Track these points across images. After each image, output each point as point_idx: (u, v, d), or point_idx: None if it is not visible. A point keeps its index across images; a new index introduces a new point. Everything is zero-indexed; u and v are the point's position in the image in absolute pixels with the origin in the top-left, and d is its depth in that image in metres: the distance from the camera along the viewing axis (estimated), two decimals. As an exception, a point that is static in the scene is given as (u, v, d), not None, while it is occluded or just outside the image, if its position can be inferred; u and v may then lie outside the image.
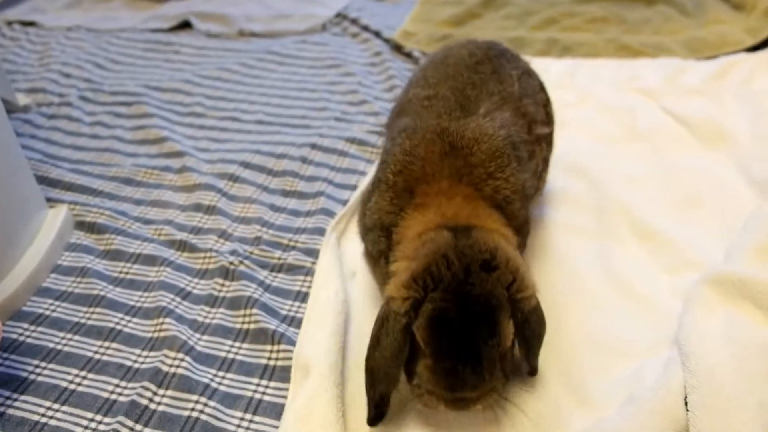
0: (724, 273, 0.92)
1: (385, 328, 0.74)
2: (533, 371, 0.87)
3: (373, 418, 0.79)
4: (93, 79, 1.91)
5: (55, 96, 1.80)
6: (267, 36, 2.26)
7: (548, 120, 1.17)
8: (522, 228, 0.92)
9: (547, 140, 1.16)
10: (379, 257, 0.89)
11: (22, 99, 1.73)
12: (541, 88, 1.18)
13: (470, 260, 0.74)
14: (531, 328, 0.78)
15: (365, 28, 2.25)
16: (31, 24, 2.39)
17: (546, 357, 0.91)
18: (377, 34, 2.18)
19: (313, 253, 1.16)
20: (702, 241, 1.14)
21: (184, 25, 2.34)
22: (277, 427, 0.85)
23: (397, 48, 2.08)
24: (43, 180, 1.36)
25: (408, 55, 2.02)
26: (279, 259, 1.17)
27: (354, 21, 2.32)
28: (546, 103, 1.18)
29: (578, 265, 1.13)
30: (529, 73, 1.15)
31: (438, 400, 0.74)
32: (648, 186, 1.33)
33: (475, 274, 0.73)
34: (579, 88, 1.76)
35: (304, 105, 1.75)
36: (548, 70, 1.87)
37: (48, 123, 1.66)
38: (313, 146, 1.50)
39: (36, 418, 0.88)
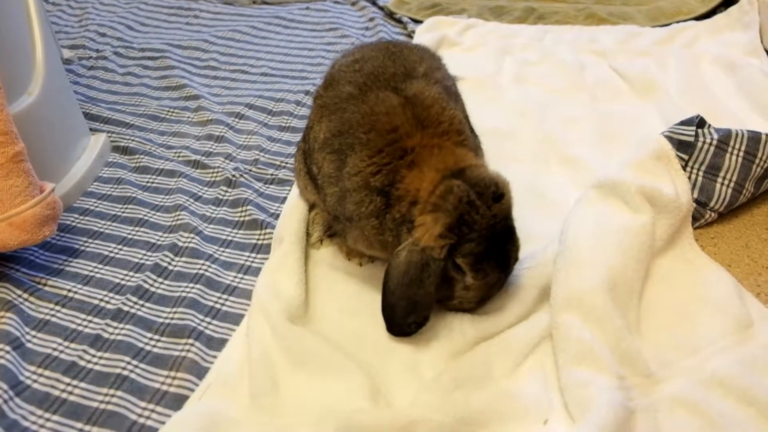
0: (605, 178, 1.20)
1: (427, 272, 0.90)
2: None
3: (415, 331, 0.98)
4: (124, 38, 2.22)
5: (93, 51, 2.12)
6: (276, 3, 2.54)
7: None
8: (477, 151, 1.11)
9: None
10: (369, 216, 0.97)
11: (66, 53, 2.05)
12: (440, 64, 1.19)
13: (485, 199, 0.90)
14: None
15: (363, -2, 2.52)
16: (70, -9, 2.71)
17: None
18: (373, 2, 2.46)
19: (299, 171, 1.46)
20: (611, 167, 1.41)
21: (204, -6, 2.64)
22: (260, 283, 1.16)
23: (390, 15, 2.36)
24: (86, 115, 1.67)
25: (399, 21, 2.30)
26: (272, 175, 1.47)
27: (354, -9, 2.60)
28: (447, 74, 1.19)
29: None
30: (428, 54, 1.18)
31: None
32: (581, 126, 1.59)
33: (492, 207, 0.91)
34: (542, 50, 2.01)
35: (303, 61, 2.04)
36: (520, 34, 2.15)
37: (88, 73, 1.97)
38: (307, 92, 1.80)
39: (85, 273, 1.20)
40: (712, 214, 1.22)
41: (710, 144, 1.23)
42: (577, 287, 0.99)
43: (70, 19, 2.41)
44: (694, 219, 1.21)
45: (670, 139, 1.24)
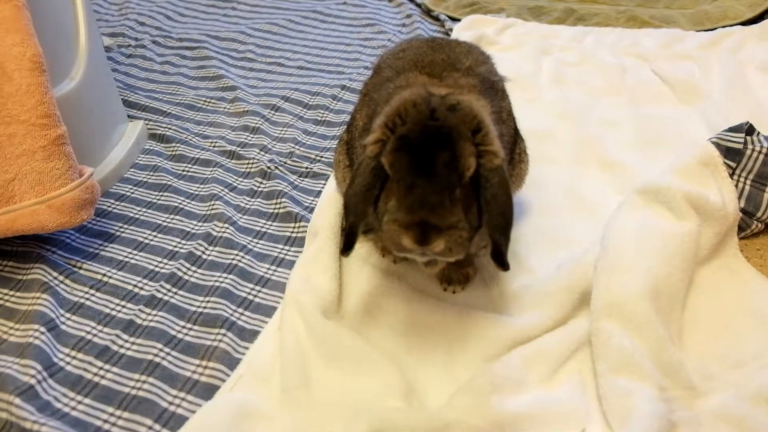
0: (649, 184, 1.17)
1: (359, 170, 0.84)
2: (503, 264, 0.85)
3: (344, 247, 0.88)
4: (163, 28, 2.24)
5: (132, 40, 2.13)
6: (314, -2, 2.54)
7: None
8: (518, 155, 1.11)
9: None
10: None
11: (106, 41, 2.06)
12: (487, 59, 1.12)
13: (437, 105, 0.80)
14: (492, 190, 0.81)
15: (401, -6, 2.51)
16: (111, -19, 2.74)
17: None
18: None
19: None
20: (654, 172, 1.37)
21: (242, -14, 2.65)
22: (294, 276, 1.15)
23: (428, 12, 2.34)
24: (124, 102, 1.68)
25: (436, 18, 2.27)
26: (306, 168, 1.46)
27: (392, -13, 2.58)
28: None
29: (547, 183, 1.38)
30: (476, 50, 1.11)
31: (401, 244, 0.80)
32: (620, 129, 1.56)
33: (440, 112, 0.80)
34: (582, 51, 1.97)
35: (340, 56, 2.03)
36: (559, 35, 2.12)
37: (126, 61, 1.99)
38: (343, 87, 1.79)
39: (120, 258, 1.21)
40: (759, 225, 1.18)
41: (759, 152, 1.19)
42: (618, 293, 0.97)
43: (111, 7, 2.43)
44: (740, 229, 1.17)
45: (717, 145, 1.21)
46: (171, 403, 0.93)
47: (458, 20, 2.23)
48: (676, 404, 0.87)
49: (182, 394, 0.95)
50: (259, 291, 1.13)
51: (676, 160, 1.23)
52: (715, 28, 2.07)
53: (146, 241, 1.25)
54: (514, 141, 1.12)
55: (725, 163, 1.19)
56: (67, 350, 1.02)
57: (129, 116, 1.62)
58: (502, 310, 1.04)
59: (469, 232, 0.82)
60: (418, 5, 2.39)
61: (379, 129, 0.83)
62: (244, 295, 1.12)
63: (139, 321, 1.07)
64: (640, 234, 1.07)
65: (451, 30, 2.13)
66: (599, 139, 1.52)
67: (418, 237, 0.79)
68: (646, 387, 0.86)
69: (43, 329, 1.03)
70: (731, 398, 0.88)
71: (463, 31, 2.09)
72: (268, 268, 1.18)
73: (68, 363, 1.00)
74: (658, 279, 0.99)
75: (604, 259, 1.04)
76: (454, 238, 0.79)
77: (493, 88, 1.03)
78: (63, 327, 1.06)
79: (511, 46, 2.04)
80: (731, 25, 2.07)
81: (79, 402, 0.94)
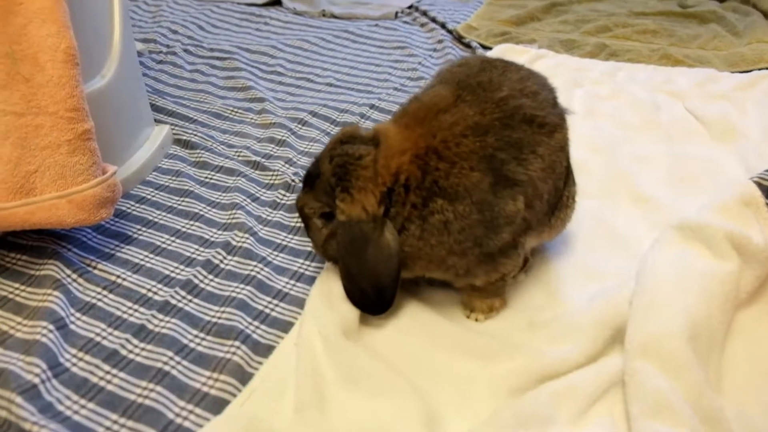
0: (687, 220, 1.12)
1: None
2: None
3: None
4: (195, 37, 2.24)
5: (163, 47, 2.13)
6: (345, 18, 2.55)
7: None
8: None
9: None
10: None
11: (138, 46, 2.06)
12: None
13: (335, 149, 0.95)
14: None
15: (433, 20, 2.51)
16: (146, -11, 2.77)
17: (534, 273, 1.14)
18: (443, 25, 2.44)
19: (359, 182, 1.42)
20: (689, 209, 1.32)
21: (275, 2, 2.67)
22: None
23: (459, 39, 2.33)
24: (152, 106, 1.67)
25: (467, 45, 2.26)
26: (331, 183, 1.43)
27: (424, 13, 2.59)
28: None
29: (579, 215, 1.33)
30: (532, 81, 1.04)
31: None
32: (654, 165, 1.52)
33: (336, 147, 0.95)
34: (614, 86, 1.94)
35: (369, 76, 2.01)
36: (591, 68, 2.09)
37: (157, 66, 1.99)
38: (372, 106, 1.77)
39: (136, 260, 1.17)
40: (801, 271, 1.13)
41: (803, 195, 1.14)
42: (655, 332, 0.92)
43: (145, 14, 2.45)
44: (781, 274, 1.12)
45: (759, 185, 1.16)
46: (178, 415, 0.89)
47: (489, 48, 2.22)
48: (715, 454, 0.81)
49: (190, 406, 0.90)
50: (276, 305, 1.08)
51: (716, 198, 1.18)
52: (750, 71, 2.03)
53: (164, 245, 1.22)
54: (564, 182, 1.06)
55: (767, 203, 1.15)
56: (74, 351, 0.98)
57: (155, 120, 1.60)
58: (531, 342, 0.99)
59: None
60: (449, 31, 2.39)
61: None
62: (260, 308, 1.07)
63: (150, 326, 1.03)
64: (678, 272, 1.02)
65: (482, 57, 2.11)
66: (632, 173, 1.48)
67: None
68: (683, 434, 0.81)
69: (51, 327, 0.99)
70: (774, 452, 0.82)
71: (495, 59, 2.07)
72: (287, 282, 1.14)
73: (74, 364, 0.96)
74: (698, 319, 0.93)
75: (639, 295, 0.99)
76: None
77: (532, 122, 0.96)
78: (72, 326, 1.02)
79: (542, 77, 2.01)
80: (767, 68, 2.04)
81: (83, 406, 0.90)
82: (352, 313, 0.99)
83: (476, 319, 1.05)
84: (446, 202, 0.90)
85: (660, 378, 0.87)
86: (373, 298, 0.95)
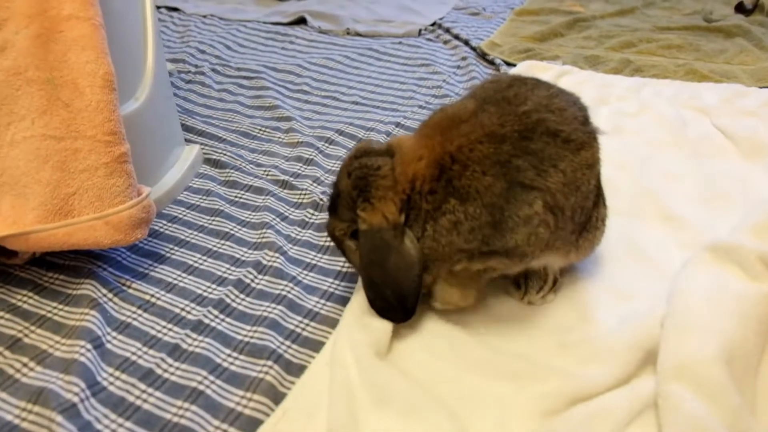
0: (720, 241, 1.11)
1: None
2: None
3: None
4: (222, 57, 2.28)
5: (192, 66, 2.18)
6: (369, 36, 2.58)
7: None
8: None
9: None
10: None
11: (167, 66, 2.11)
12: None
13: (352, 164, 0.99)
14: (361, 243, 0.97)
15: (456, 37, 2.52)
16: (175, 9, 2.84)
17: (563, 293, 1.14)
18: (466, 42, 2.45)
19: (386, 201, 1.43)
20: (720, 228, 1.31)
21: (300, 21, 2.71)
22: (341, 311, 1.12)
23: (482, 56, 2.34)
24: (182, 126, 1.71)
25: (491, 62, 2.27)
26: (358, 202, 1.44)
27: (447, 30, 2.60)
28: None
29: (607, 234, 1.33)
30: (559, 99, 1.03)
31: None
32: (682, 182, 1.51)
33: (352, 162, 0.99)
34: (640, 102, 1.94)
35: (394, 93, 2.03)
36: (616, 84, 2.09)
37: (186, 86, 2.03)
38: (398, 125, 1.78)
39: (169, 280, 1.20)
40: (837, 293, 1.11)
41: (838, 215, 1.13)
42: (689, 355, 0.91)
43: (173, 35, 2.50)
44: (816, 296, 1.10)
45: (792, 205, 1.15)
46: (213, 434, 0.90)
47: (513, 65, 2.22)
48: (753, 481, 0.80)
49: (224, 426, 0.91)
50: (307, 324, 1.10)
51: (748, 218, 1.18)
52: (779, 86, 2.02)
53: (196, 264, 1.24)
54: (594, 203, 1.06)
55: (801, 224, 1.14)
56: (111, 369, 1.00)
57: (186, 140, 1.63)
58: (562, 363, 0.99)
59: None
60: (473, 48, 2.40)
61: None
62: (292, 327, 1.09)
63: (184, 345, 1.05)
64: (711, 293, 1.01)
65: (506, 74, 2.12)
66: (660, 191, 1.47)
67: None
68: (720, 459, 0.80)
69: (89, 346, 1.01)
70: (814, 479, 0.81)
71: (519, 76, 2.08)
72: (317, 302, 1.15)
73: (111, 383, 0.98)
74: (733, 343, 0.93)
75: (672, 317, 0.98)
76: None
77: (557, 137, 0.95)
78: (108, 345, 1.05)
79: (567, 94, 2.01)
80: (797, 84, 2.02)
81: (120, 425, 0.92)
82: (385, 333, 1.00)
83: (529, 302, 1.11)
84: (458, 203, 0.92)
85: (696, 402, 0.86)
86: (396, 306, 0.97)
